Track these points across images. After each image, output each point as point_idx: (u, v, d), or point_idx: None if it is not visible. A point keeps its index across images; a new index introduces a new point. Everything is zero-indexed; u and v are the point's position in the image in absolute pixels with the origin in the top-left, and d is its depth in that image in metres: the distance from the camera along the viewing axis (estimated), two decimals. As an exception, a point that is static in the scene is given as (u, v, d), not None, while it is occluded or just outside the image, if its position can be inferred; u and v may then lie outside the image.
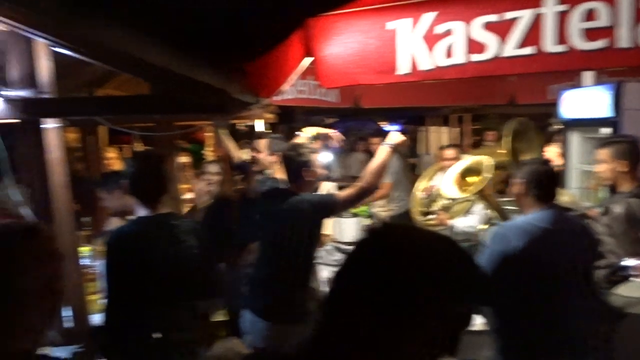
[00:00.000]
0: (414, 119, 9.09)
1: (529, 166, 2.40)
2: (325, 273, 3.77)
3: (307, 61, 2.89)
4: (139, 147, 5.48)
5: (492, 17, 2.39)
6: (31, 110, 2.48)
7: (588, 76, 4.00)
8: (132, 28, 1.99)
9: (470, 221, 3.95)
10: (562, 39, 2.29)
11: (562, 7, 2.27)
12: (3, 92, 2.42)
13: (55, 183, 2.53)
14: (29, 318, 1.18)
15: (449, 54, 2.50)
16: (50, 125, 2.52)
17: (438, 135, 8.11)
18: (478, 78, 2.59)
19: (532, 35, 2.33)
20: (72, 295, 2.59)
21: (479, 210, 3.94)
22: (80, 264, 2.93)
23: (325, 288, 3.57)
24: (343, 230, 4.45)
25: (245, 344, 2.65)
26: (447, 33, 2.48)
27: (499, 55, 2.40)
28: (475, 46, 2.44)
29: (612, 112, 3.38)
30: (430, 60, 2.54)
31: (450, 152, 4.31)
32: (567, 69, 2.66)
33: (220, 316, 4.39)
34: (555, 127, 4.53)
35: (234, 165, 4.28)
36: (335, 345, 0.88)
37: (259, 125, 5.11)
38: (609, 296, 2.52)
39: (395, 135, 2.83)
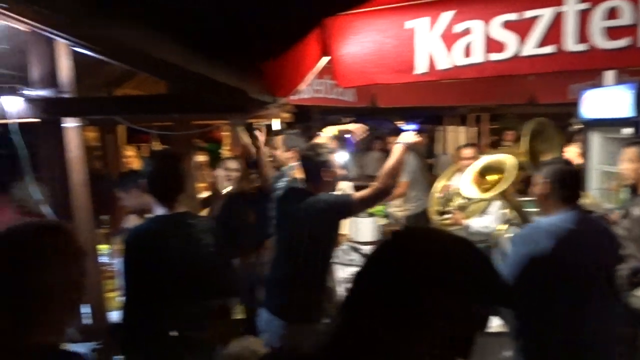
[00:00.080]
0: (431, 119, 9.02)
1: (553, 166, 2.36)
2: (341, 273, 3.77)
3: (324, 61, 2.88)
4: (157, 146, 5.53)
5: (512, 16, 2.36)
6: (51, 110, 2.51)
7: (609, 75, 3.94)
8: (150, 28, 2.01)
9: (486, 221, 3.91)
10: (583, 37, 2.25)
11: (583, 6, 2.23)
12: (24, 92, 2.45)
13: (74, 181, 2.56)
14: (52, 313, 1.22)
15: (467, 53, 2.47)
16: (70, 124, 2.55)
17: (455, 135, 8.05)
18: (497, 77, 2.55)
19: (553, 34, 2.29)
20: (90, 293, 2.62)
21: (495, 210, 3.90)
22: (99, 261, 2.96)
23: (341, 288, 3.57)
24: (359, 230, 4.43)
25: (262, 343, 2.66)
26: (466, 32, 2.45)
27: (518, 54, 2.37)
28: (494, 45, 2.41)
29: (633, 112, 3.33)
30: (448, 59, 2.51)
31: (468, 152, 4.27)
32: (588, 68, 2.62)
33: (236, 314, 4.42)
34: (576, 127, 4.47)
35: (249, 162, 4.31)
36: (354, 346, 0.88)
37: (276, 125, 5.13)
38: (630, 298, 2.48)
39: (408, 134, 2.81)
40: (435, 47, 2.52)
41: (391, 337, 0.86)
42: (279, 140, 3.77)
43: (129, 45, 1.92)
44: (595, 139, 3.89)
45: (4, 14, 1.58)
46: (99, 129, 5.23)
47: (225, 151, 5.98)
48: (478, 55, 2.45)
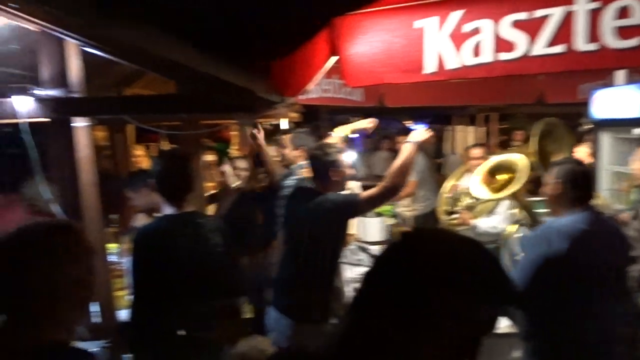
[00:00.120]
0: (439, 118, 8.99)
1: (564, 166, 2.34)
2: (349, 273, 3.76)
3: (332, 60, 2.88)
4: (166, 145, 5.55)
5: (522, 15, 2.34)
6: (61, 110, 2.53)
7: (620, 75, 3.91)
8: (159, 28, 2.02)
9: (494, 221, 3.89)
10: (593, 37, 2.23)
11: (594, 5, 2.21)
12: (34, 92, 2.47)
13: (84, 181, 2.58)
14: (62, 311, 1.25)
15: (476, 53, 2.46)
16: (79, 124, 2.56)
17: (464, 135, 8.01)
18: (506, 77, 2.53)
19: (563, 33, 2.28)
20: (99, 291, 2.63)
21: (503, 210, 3.88)
22: (108, 260, 2.98)
23: (349, 288, 3.57)
24: (367, 229, 4.43)
25: (271, 342, 2.67)
26: (475, 31, 2.44)
27: (528, 53, 2.36)
28: (503, 45, 2.40)
29: (645, 112, 3.30)
30: (457, 59, 2.50)
31: (477, 152, 4.25)
32: (599, 68, 2.60)
33: (245, 314, 4.43)
34: (586, 127, 4.44)
35: (257, 161, 4.32)
36: (362, 347, 0.88)
37: (284, 124, 5.13)
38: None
39: (418, 132, 2.77)
40: (444, 46, 2.51)
41: (400, 338, 0.86)
42: (287, 139, 3.78)
43: (138, 46, 1.93)
44: (606, 139, 3.86)
45: (14, 14, 1.60)
46: (108, 129, 5.26)
47: (233, 150, 6.00)
48: (487, 55, 2.44)
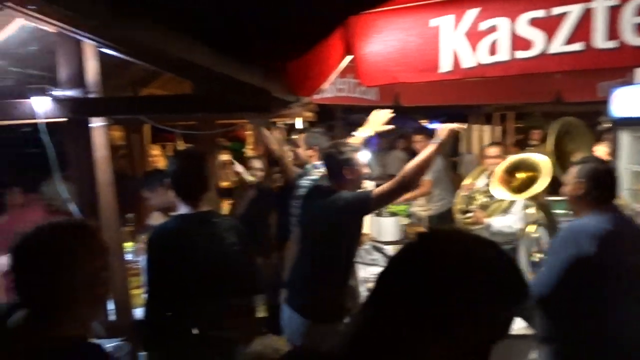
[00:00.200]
0: (455, 117, 8.91)
1: (586, 165, 2.29)
2: (363, 272, 3.76)
3: (347, 59, 2.87)
4: (182, 145, 5.59)
5: (539, 13, 2.31)
6: (79, 110, 2.55)
7: (640, 73, 3.84)
8: (175, 29, 2.03)
9: (509, 221, 3.85)
10: (613, 34, 2.19)
11: (613, 2, 2.18)
12: (52, 93, 2.50)
13: (101, 180, 2.60)
14: (79, 306, 1.30)
15: (492, 51, 2.43)
16: (96, 124, 2.59)
17: (480, 134, 7.94)
18: (523, 75, 2.50)
19: (581, 30, 2.24)
20: (116, 290, 2.66)
21: (518, 210, 3.84)
22: (124, 259, 3.00)
23: (363, 287, 3.56)
24: (382, 229, 4.41)
25: (285, 341, 2.67)
26: (492, 29, 2.41)
27: (546, 52, 2.32)
28: (520, 43, 2.37)
29: (666, 111, 3.24)
30: (473, 57, 2.48)
31: (493, 151, 4.22)
32: (618, 66, 2.55)
33: (259, 313, 4.44)
34: (605, 125, 4.37)
35: (272, 161, 4.33)
36: (376, 346, 0.88)
37: (299, 124, 5.14)
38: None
39: (446, 128, 2.67)
40: (460, 45, 2.49)
41: (413, 339, 0.86)
42: (300, 138, 3.78)
43: (154, 46, 1.94)
44: (625, 138, 3.80)
45: (32, 16, 1.62)
46: (124, 129, 5.32)
47: (248, 150, 6.03)
48: (504, 53, 2.41)
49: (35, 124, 2.47)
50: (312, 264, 2.77)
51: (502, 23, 2.39)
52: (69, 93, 2.53)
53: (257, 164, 4.27)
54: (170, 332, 2.25)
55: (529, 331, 2.75)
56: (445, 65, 2.55)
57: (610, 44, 2.20)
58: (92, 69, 2.59)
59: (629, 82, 3.96)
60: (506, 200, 3.71)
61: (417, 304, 0.86)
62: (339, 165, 2.72)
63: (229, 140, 7.02)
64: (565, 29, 2.26)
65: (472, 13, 2.45)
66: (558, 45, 2.29)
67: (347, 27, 2.75)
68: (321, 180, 3.13)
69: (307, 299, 2.74)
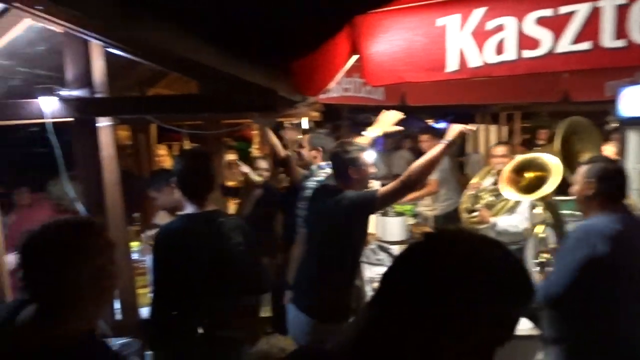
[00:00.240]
0: (462, 117, 8.89)
1: (596, 164, 2.27)
2: (369, 272, 3.75)
3: (353, 59, 2.87)
4: (188, 144, 5.61)
5: (546, 12, 2.30)
6: (86, 110, 2.56)
7: (649, 72, 3.81)
8: (181, 29, 2.03)
9: (515, 220, 3.83)
10: (621, 33, 2.17)
11: (621, 0, 2.16)
12: (60, 92, 2.51)
13: (107, 180, 2.61)
14: (87, 299, 1.33)
15: (499, 51, 2.42)
16: (103, 123, 2.60)
17: (486, 134, 7.91)
18: (529, 75, 2.48)
19: (589, 29, 2.23)
20: (122, 289, 2.67)
21: (524, 209, 3.82)
22: (131, 258, 3.01)
23: (369, 287, 3.55)
24: (387, 229, 4.40)
25: (291, 341, 2.67)
26: (498, 29, 2.40)
27: (553, 51, 2.31)
28: (527, 42, 2.35)
29: (674, 110, 3.21)
30: (480, 57, 2.47)
31: (500, 150, 4.21)
32: (627, 65, 2.53)
33: (265, 312, 4.45)
34: (612, 125, 4.34)
35: (277, 161, 4.33)
36: (379, 346, 0.88)
37: (305, 123, 5.13)
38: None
39: (456, 127, 2.64)
40: (467, 44, 2.48)
41: (417, 339, 0.85)
42: (305, 139, 3.77)
43: (160, 46, 1.95)
44: (633, 138, 3.77)
45: (40, 16, 1.63)
46: (131, 128, 5.34)
47: (254, 150, 6.03)
48: (511, 53, 2.40)
49: (43, 124, 2.48)
50: (318, 264, 2.77)
51: (509, 22, 2.38)
52: (76, 93, 2.54)
53: (263, 164, 4.27)
54: (176, 332, 2.25)
55: (535, 332, 2.74)
56: (451, 64, 2.54)
57: (618, 43, 2.18)
58: (99, 69, 2.60)
59: (637, 82, 3.93)
60: (512, 200, 3.69)
61: (421, 304, 0.85)
62: (344, 165, 2.71)
63: (235, 139, 7.03)
64: (572, 28, 2.25)
65: (478, 12, 2.44)
66: (565, 44, 2.28)
67: (353, 27, 2.75)
68: (328, 180, 3.13)
69: (312, 299, 2.75)
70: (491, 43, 2.43)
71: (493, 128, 7.89)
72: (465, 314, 0.84)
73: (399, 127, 3.33)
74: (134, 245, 3.27)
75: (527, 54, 2.36)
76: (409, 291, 0.88)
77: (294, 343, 2.57)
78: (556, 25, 2.29)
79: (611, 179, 2.21)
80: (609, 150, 4.08)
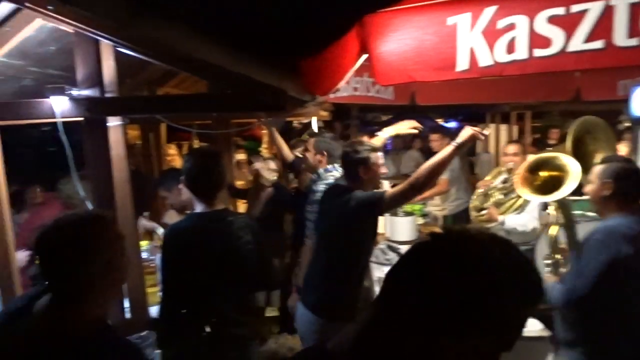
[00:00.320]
0: (472, 116, 8.85)
1: (613, 164, 2.24)
2: (377, 272, 3.74)
3: (362, 58, 2.86)
4: (197, 144, 5.63)
5: (558, 11, 2.27)
6: (96, 109, 2.58)
7: (662, 71, 3.77)
8: (191, 29, 2.03)
9: (523, 219, 3.81)
10: (634, 31, 2.15)
11: (635, -2, 2.14)
12: (70, 92, 2.52)
13: (117, 179, 2.62)
14: (98, 290, 1.39)
15: (510, 50, 2.40)
16: (113, 123, 2.61)
17: (497, 133, 7.86)
18: (541, 74, 2.46)
19: (602, 28, 2.20)
20: (131, 288, 2.68)
21: (532, 208, 3.79)
22: (140, 257, 3.02)
23: (377, 287, 3.54)
24: (397, 229, 4.39)
25: (300, 340, 2.67)
26: (510, 27, 2.38)
27: (565, 50, 2.28)
28: (538, 41, 2.33)
29: (688, 109, 3.17)
30: (491, 56, 2.45)
31: (511, 148, 4.18)
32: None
33: (273, 312, 4.46)
34: (625, 124, 4.30)
35: (286, 163, 4.33)
36: (383, 345, 0.87)
37: (314, 123, 5.12)
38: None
39: (466, 132, 2.53)
40: (477, 43, 2.46)
41: (420, 339, 0.84)
42: (310, 142, 3.76)
43: (170, 46, 1.95)
44: (646, 138, 3.73)
45: (51, 16, 1.64)
46: (141, 128, 5.36)
47: (264, 149, 6.04)
48: (522, 52, 2.38)
49: (54, 123, 2.50)
50: (327, 263, 2.76)
51: (520, 21, 2.36)
52: (87, 92, 2.55)
53: (272, 164, 4.26)
54: (184, 330, 2.26)
55: (546, 333, 2.72)
56: (462, 63, 2.52)
57: (632, 42, 2.16)
58: (109, 68, 2.61)
59: (651, 81, 3.89)
60: (521, 198, 3.66)
61: (423, 303, 0.84)
62: (354, 165, 2.70)
63: (244, 139, 7.05)
64: (585, 26, 2.22)
65: (489, 11, 2.42)
66: (578, 43, 2.25)
67: (363, 26, 2.74)
68: (339, 180, 3.12)
69: (321, 298, 2.74)
70: (502, 42, 2.41)
71: (504, 127, 7.84)
72: (469, 313, 0.83)
73: (415, 130, 3.33)
74: (144, 244, 3.29)
75: (539, 52, 2.34)
76: (411, 290, 0.87)
77: (302, 342, 2.58)
78: (568, 23, 2.26)
79: (629, 179, 2.18)
80: (622, 150, 4.04)
